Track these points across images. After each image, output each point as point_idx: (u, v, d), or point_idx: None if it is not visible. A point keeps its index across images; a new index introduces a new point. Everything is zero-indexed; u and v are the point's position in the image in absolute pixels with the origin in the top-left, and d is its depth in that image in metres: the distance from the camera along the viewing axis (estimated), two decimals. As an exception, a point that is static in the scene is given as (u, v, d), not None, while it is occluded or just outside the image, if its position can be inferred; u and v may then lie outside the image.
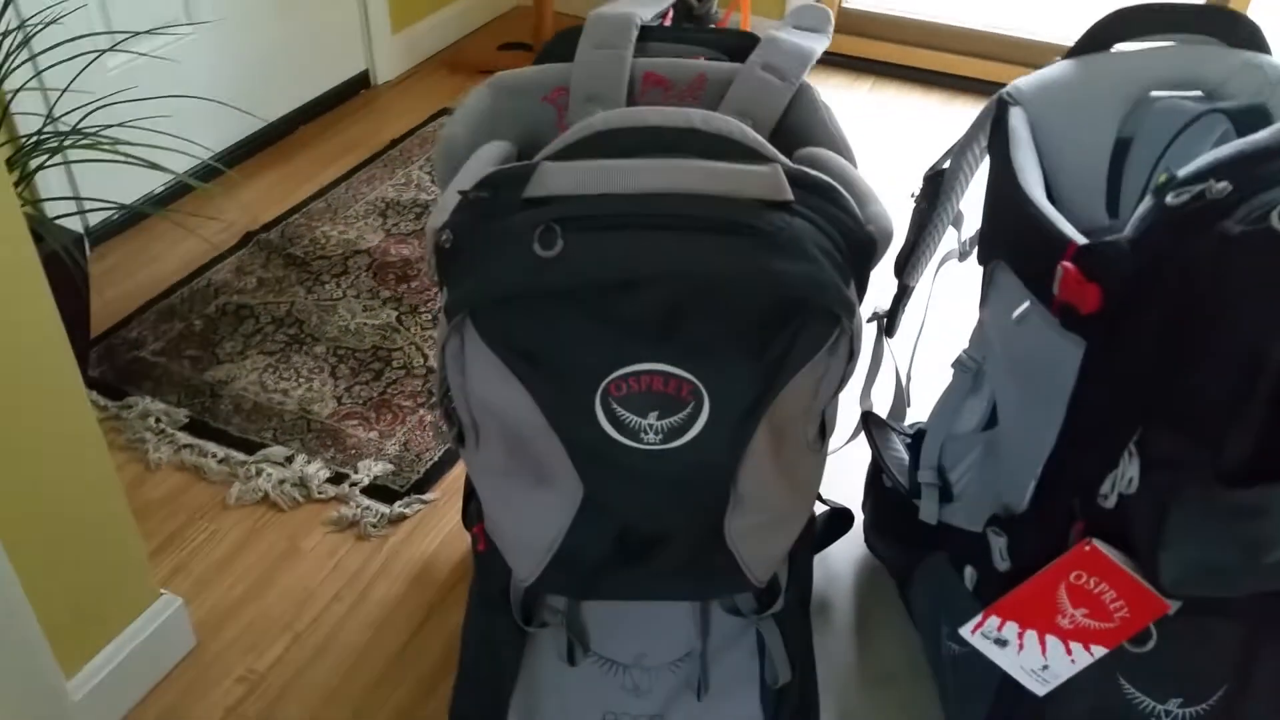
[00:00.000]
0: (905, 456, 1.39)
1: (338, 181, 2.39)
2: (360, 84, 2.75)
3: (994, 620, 0.98)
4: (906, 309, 1.43)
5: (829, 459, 1.58)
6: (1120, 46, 1.13)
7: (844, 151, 0.99)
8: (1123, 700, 1.10)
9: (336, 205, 2.31)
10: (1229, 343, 0.77)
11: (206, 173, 2.15)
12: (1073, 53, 1.13)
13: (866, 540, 1.51)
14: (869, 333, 1.49)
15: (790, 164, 0.84)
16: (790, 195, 0.80)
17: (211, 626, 1.41)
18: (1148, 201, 0.84)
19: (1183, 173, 0.82)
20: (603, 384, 0.80)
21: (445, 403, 0.89)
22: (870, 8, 3.01)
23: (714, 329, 0.79)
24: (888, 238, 0.88)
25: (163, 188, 2.18)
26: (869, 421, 1.43)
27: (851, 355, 0.85)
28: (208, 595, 1.45)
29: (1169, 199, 0.81)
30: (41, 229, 1.58)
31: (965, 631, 1.00)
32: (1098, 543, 0.93)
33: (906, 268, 1.36)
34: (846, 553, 1.53)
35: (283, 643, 1.39)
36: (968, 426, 1.29)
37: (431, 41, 2.94)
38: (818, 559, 1.52)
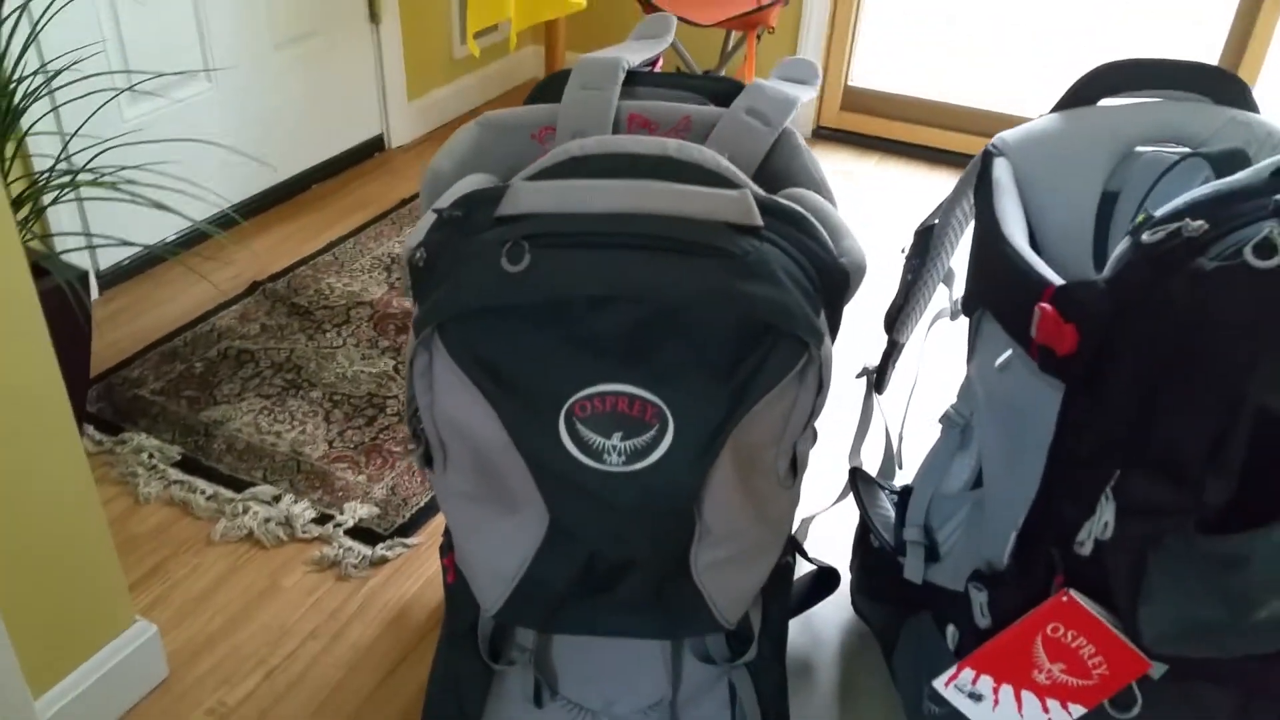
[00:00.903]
0: (892, 514, 1.37)
1: (346, 236, 2.42)
2: (375, 146, 2.81)
3: (969, 673, 0.95)
4: (898, 367, 1.43)
5: (818, 519, 1.57)
6: (1106, 101, 1.14)
7: (824, 192, 1.00)
8: (1105, 767, 1.06)
9: (343, 259, 2.34)
10: (1205, 381, 0.76)
11: (218, 222, 2.19)
12: (1059, 106, 1.14)
13: (853, 602, 1.48)
14: (860, 390, 1.49)
15: (762, 192, 0.84)
16: (759, 220, 0.80)
17: (186, 658, 1.39)
18: (1125, 242, 0.83)
19: (1159, 212, 0.82)
20: (567, 404, 0.80)
21: (413, 423, 0.89)
22: (876, 87, 3.06)
23: (680, 351, 0.79)
24: (861, 271, 0.88)
25: (174, 235, 2.22)
26: (857, 478, 1.41)
27: (821, 386, 0.84)
28: (185, 628, 1.44)
29: (1144, 237, 0.81)
30: (48, 263, 1.60)
31: (939, 684, 0.97)
32: (1075, 594, 0.91)
33: (896, 323, 1.36)
34: (832, 615, 1.50)
35: (255, 678, 1.37)
36: (956, 485, 1.27)
37: (446, 109, 3.01)
38: (802, 620, 1.49)
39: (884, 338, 1.38)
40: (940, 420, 1.26)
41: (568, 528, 0.87)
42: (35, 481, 1.13)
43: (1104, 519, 0.84)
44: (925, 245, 1.29)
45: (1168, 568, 0.86)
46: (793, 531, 1.37)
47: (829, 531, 1.56)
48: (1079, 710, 0.95)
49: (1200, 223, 0.78)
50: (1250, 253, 0.73)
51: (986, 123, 2.93)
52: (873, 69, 3.27)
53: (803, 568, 1.46)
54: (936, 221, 1.28)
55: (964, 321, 1.23)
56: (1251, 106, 1.12)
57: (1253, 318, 0.73)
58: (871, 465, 1.52)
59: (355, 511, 1.64)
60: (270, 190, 2.51)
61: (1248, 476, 0.79)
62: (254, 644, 1.42)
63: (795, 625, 1.48)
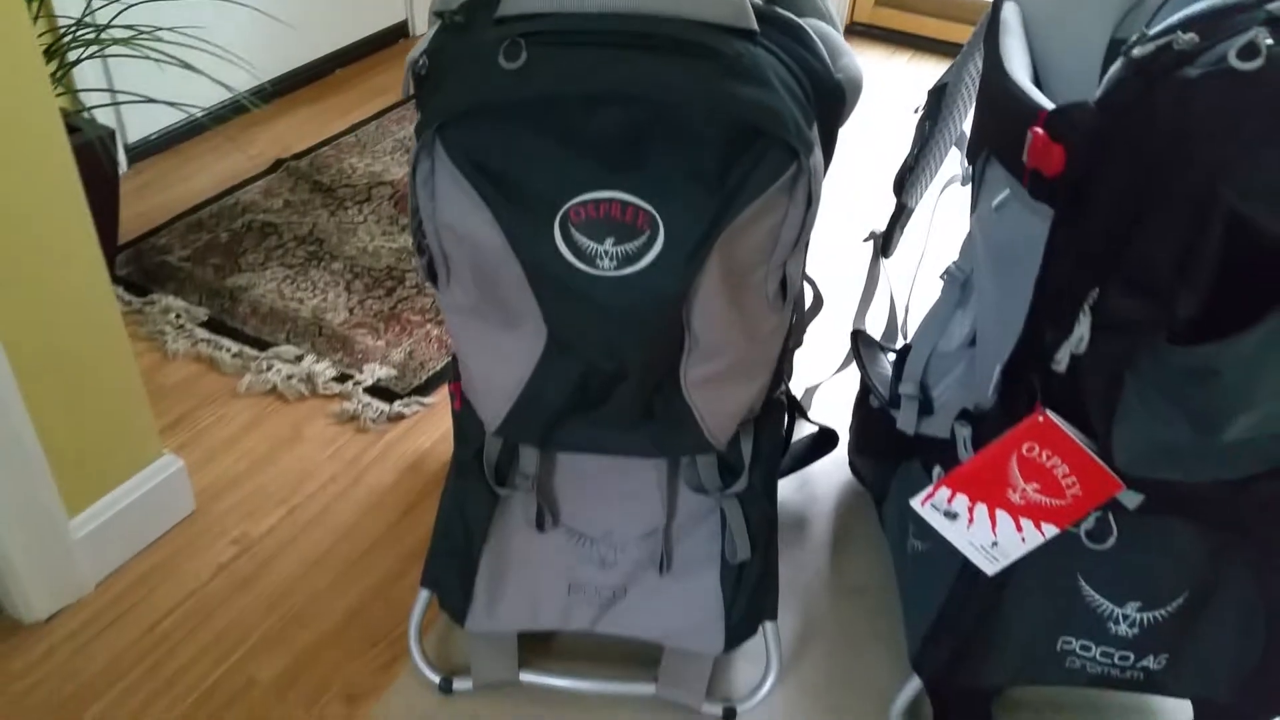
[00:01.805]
0: (890, 372, 1.40)
1: (368, 120, 2.45)
2: (399, 33, 2.81)
3: (945, 492, 1.00)
4: (906, 234, 1.45)
5: (822, 387, 1.60)
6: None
7: (828, 19, 1.02)
8: (1081, 600, 1.11)
9: (366, 141, 2.37)
10: (1180, 190, 0.78)
11: (246, 99, 2.22)
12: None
13: (850, 462, 1.52)
14: (866, 253, 1.51)
15: (760, 1, 0.86)
16: (754, 24, 0.82)
17: (212, 495, 1.46)
18: (1118, 61, 0.85)
19: (1153, 30, 0.83)
20: (562, 209, 0.84)
21: (418, 236, 0.92)
22: (911, -17, 3.02)
23: (672, 158, 0.82)
24: (857, 88, 0.90)
25: (201, 112, 2.25)
26: (858, 340, 1.44)
27: (810, 201, 0.87)
28: (211, 468, 1.50)
29: (1135, 52, 0.82)
30: (75, 120, 1.64)
31: (915, 503, 1.01)
32: (1051, 414, 0.94)
33: (906, 186, 1.37)
34: (830, 476, 1.54)
35: (278, 514, 1.44)
36: (954, 343, 1.30)
37: (476, -3, 2.99)
38: (802, 479, 1.54)
39: (892, 200, 1.39)
40: (941, 276, 1.29)
41: (564, 340, 0.91)
42: (69, 319, 1.19)
43: (1080, 334, 0.87)
44: (937, 105, 1.30)
45: (1141, 390, 0.89)
46: (795, 392, 1.41)
47: (833, 399, 1.60)
48: (1051, 530, 0.99)
49: (1191, 35, 0.80)
50: (1234, 55, 0.74)
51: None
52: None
53: (804, 434, 1.50)
54: (949, 80, 1.28)
55: (973, 187, 1.24)
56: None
57: (1232, 119, 0.75)
58: (877, 331, 1.55)
59: (374, 372, 1.70)
60: (294, 72, 2.53)
61: (1220, 292, 0.81)
62: (277, 485, 1.49)
63: (793, 484, 1.53)
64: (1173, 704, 1.24)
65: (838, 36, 0.94)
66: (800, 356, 1.57)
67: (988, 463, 0.97)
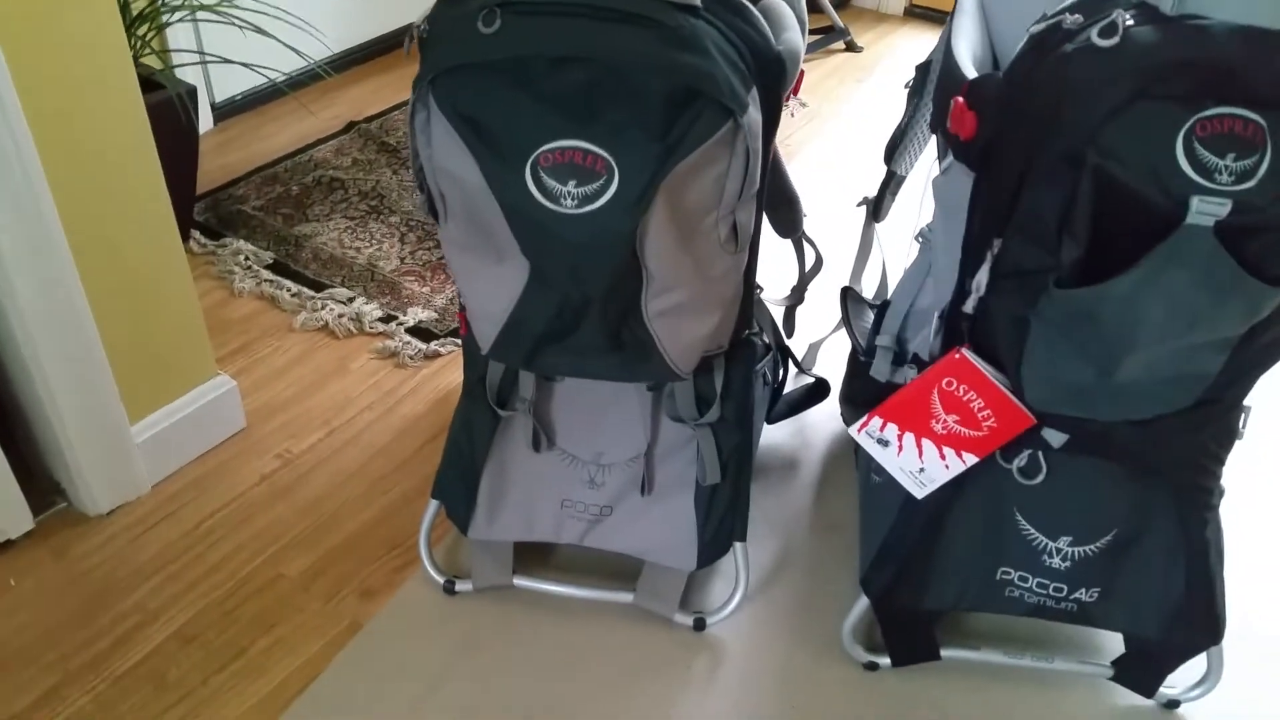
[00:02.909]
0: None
1: (439, 85, 2.61)
2: (475, 5, 2.97)
3: (877, 421, 1.11)
4: (898, 198, 1.55)
5: (826, 343, 1.71)
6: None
7: (792, 1, 1.13)
8: (1016, 533, 1.21)
9: (434, 105, 2.53)
10: (1058, 149, 0.88)
11: (325, 66, 2.41)
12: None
13: (841, 411, 1.63)
14: (855, 222, 1.62)
15: (710, -19, 0.98)
16: (697, 1, 0.95)
17: (262, 415, 1.64)
18: (1025, 38, 0.95)
19: (1052, 11, 0.93)
20: (533, 156, 0.97)
21: (419, 175, 1.07)
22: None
23: (625, 112, 0.95)
24: (795, 59, 1.02)
25: (283, 77, 2.44)
26: (847, 297, 1.55)
27: (749, 155, 0.99)
28: (263, 392, 1.69)
29: (1034, 28, 0.92)
30: (162, 77, 1.84)
31: (853, 430, 1.13)
32: (966, 352, 1.05)
33: (895, 155, 1.48)
34: (823, 424, 1.66)
35: (319, 434, 1.62)
36: (927, 300, 1.40)
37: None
38: (797, 424, 1.66)
39: (883, 168, 1.50)
40: (916, 238, 1.39)
41: (542, 270, 1.05)
42: (137, 251, 1.37)
43: (980, 280, 0.98)
44: (923, 80, 1.40)
45: (1045, 332, 0.99)
46: (799, 347, 1.52)
47: (836, 354, 1.71)
48: (971, 458, 1.09)
49: (1077, 16, 0.90)
50: (1096, 33, 0.84)
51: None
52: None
53: (800, 384, 1.62)
54: (934, 57, 1.38)
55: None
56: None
57: (1093, 88, 0.85)
58: (872, 291, 1.65)
59: (417, 315, 1.86)
60: (372, 41, 2.72)
61: (1101, 241, 0.91)
62: (320, 409, 1.66)
63: (788, 429, 1.64)
64: (1108, 638, 1.33)
65: (789, 14, 1.06)
66: (805, 313, 1.69)
67: (913, 395, 1.08)
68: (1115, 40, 0.84)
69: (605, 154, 0.96)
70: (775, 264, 1.55)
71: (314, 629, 1.33)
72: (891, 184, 1.52)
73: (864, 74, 2.79)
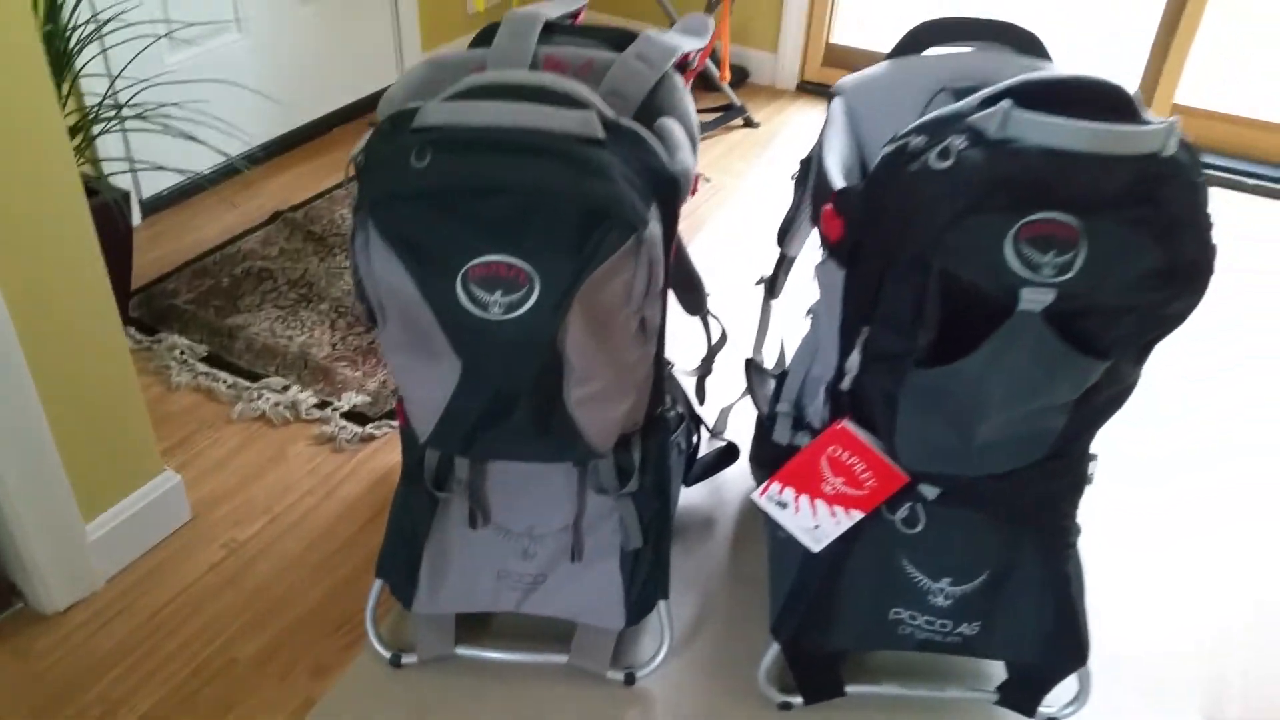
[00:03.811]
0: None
1: (360, 173, 2.73)
2: (391, 93, 3.11)
3: (776, 486, 1.25)
4: (790, 277, 1.71)
5: (734, 410, 1.86)
6: (932, 50, 1.41)
7: (685, 120, 1.29)
8: (904, 576, 1.36)
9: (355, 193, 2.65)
10: (908, 255, 1.05)
11: (245, 158, 2.51)
12: (891, 55, 1.41)
13: (751, 471, 1.78)
14: (757, 296, 1.78)
15: (610, 114, 1.13)
16: (601, 134, 1.09)
17: (206, 505, 1.73)
18: (880, 155, 1.12)
19: (901, 132, 1.10)
20: (463, 269, 1.10)
21: (359, 289, 1.19)
22: (856, 44, 3.30)
23: (543, 230, 1.09)
24: (687, 178, 1.17)
25: (211, 169, 2.54)
26: (750, 368, 1.70)
27: (652, 263, 1.13)
28: (206, 483, 1.77)
29: (886, 148, 1.09)
30: (96, 184, 1.93)
31: (755, 495, 1.27)
32: (847, 423, 1.20)
33: (786, 238, 1.64)
34: (735, 484, 1.80)
35: (262, 521, 1.70)
36: (819, 371, 1.56)
37: (459, 60, 3.29)
38: (713, 485, 1.80)
39: (776, 250, 1.66)
40: (806, 314, 1.55)
41: (473, 367, 1.18)
42: (87, 359, 1.46)
43: (853, 362, 1.13)
44: (805, 172, 1.57)
45: (912, 404, 1.15)
46: (711, 412, 1.65)
47: (741, 422, 1.86)
48: (857, 514, 1.24)
49: (922, 138, 1.07)
50: (934, 157, 1.01)
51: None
52: (854, 27, 3.50)
53: (711, 444, 1.76)
54: (814, 153, 1.55)
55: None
56: (1045, 55, 1.39)
57: (933, 204, 1.01)
58: (773, 361, 1.81)
59: (351, 399, 1.97)
60: (295, 131, 2.83)
61: (952, 328, 1.07)
62: (262, 497, 1.75)
63: (705, 490, 1.78)
64: (993, 665, 1.48)
65: (681, 135, 1.21)
66: (715, 382, 1.84)
67: (804, 462, 1.23)
68: (949, 163, 1.01)
69: (527, 267, 1.10)
70: (686, 339, 1.70)
71: (270, 708, 1.41)
72: (784, 264, 1.68)
73: (761, 148, 2.99)
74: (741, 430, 1.80)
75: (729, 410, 1.87)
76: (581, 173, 1.07)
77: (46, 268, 1.37)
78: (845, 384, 1.17)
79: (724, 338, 1.74)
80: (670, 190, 1.16)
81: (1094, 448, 1.28)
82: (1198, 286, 1.07)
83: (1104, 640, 1.55)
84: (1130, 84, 1.13)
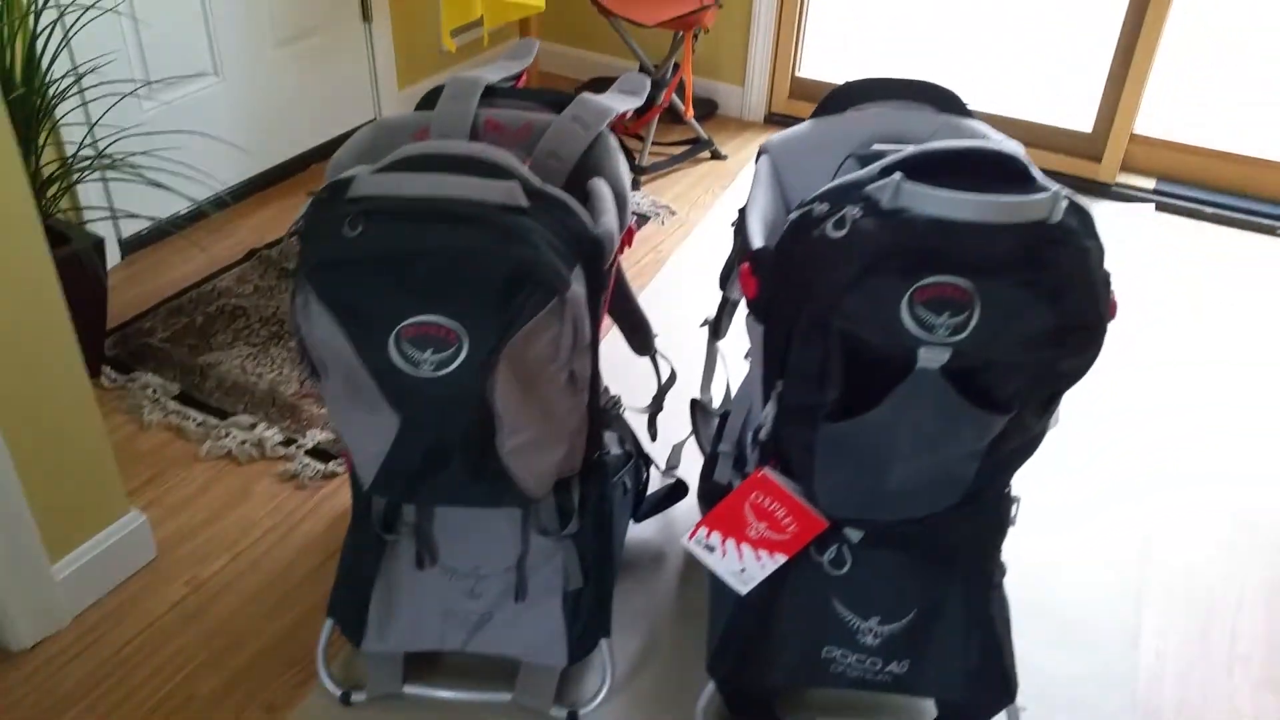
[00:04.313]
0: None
1: (335, 210, 2.80)
2: (369, 129, 3.18)
3: (704, 531, 1.31)
4: (734, 319, 1.77)
5: (687, 444, 1.91)
6: (856, 108, 1.47)
7: (615, 181, 1.35)
8: (834, 615, 1.41)
9: (331, 230, 2.71)
10: (810, 315, 1.10)
11: (223, 197, 2.58)
12: (815, 114, 1.48)
13: (700, 507, 1.83)
14: (703, 336, 1.83)
15: (535, 182, 1.19)
16: (524, 203, 1.15)
17: (172, 543, 1.78)
18: (788, 220, 1.18)
19: (807, 199, 1.16)
20: (395, 329, 1.16)
21: (300, 346, 1.25)
22: (820, 77, 3.37)
23: (470, 293, 1.14)
24: (611, 240, 1.23)
25: (187, 209, 2.61)
26: (695, 408, 1.76)
27: (577, 321, 1.19)
28: (172, 521, 1.83)
29: (793, 214, 1.15)
30: (70, 231, 1.99)
31: (684, 540, 1.33)
32: (768, 470, 1.26)
33: (726, 282, 1.70)
34: (685, 519, 1.85)
35: (224, 559, 1.76)
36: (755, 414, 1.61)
37: (436, 95, 3.37)
38: (661, 520, 1.85)
39: (718, 293, 1.72)
40: (745, 357, 1.61)
41: (409, 421, 1.24)
42: (49, 401, 1.51)
43: (768, 413, 1.19)
44: (743, 220, 1.63)
45: (825, 454, 1.21)
46: (663, 449, 1.71)
47: (693, 458, 1.91)
48: (781, 558, 1.30)
49: (825, 205, 1.13)
50: (830, 227, 1.07)
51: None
52: (821, 60, 3.57)
53: (661, 480, 1.82)
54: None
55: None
56: (965, 112, 1.45)
57: (831, 270, 1.07)
58: (720, 401, 1.87)
59: (315, 437, 2.02)
60: (274, 168, 2.90)
61: (859, 382, 1.13)
62: (225, 534, 1.81)
63: (655, 525, 1.84)
64: (925, 702, 1.53)
65: (608, 198, 1.27)
66: (667, 419, 1.90)
67: (729, 508, 1.28)
68: (844, 232, 1.07)
69: (456, 326, 1.16)
70: (637, 377, 1.75)
71: (224, 743, 1.47)
72: (727, 307, 1.74)
73: (728, 180, 3.05)
74: (694, 466, 1.86)
75: (681, 446, 1.93)
76: (505, 239, 1.13)
77: (8, 317, 1.42)
78: (763, 434, 1.23)
79: (673, 376, 1.80)
80: (594, 252, 1.22)
81: (1017, 489, 1.34)
82: (1089, 346, 1.13)
83: (1024, 669, 1.60)
84: (1019, 151, 1.20)
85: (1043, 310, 1.09)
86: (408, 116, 1.46)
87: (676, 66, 3.04)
